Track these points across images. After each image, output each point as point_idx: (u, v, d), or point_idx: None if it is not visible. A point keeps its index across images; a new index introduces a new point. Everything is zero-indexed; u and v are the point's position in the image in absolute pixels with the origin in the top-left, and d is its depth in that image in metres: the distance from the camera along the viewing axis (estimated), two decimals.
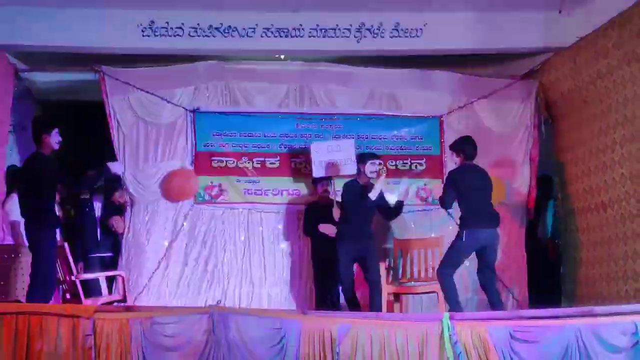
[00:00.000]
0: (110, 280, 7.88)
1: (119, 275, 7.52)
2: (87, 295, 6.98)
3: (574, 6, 8.08)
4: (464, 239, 6.72)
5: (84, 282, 7.17)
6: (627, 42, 7.26)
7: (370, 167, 7.41)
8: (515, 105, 9.02)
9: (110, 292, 7.83)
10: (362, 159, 7.55)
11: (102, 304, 6.76)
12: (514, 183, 8.88)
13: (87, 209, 8.47)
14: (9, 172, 8.03)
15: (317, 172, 8.26)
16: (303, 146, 8.61)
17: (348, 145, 8.29)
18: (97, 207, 8.55)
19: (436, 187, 8.70)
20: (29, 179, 6.42)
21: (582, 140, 8.21)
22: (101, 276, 7.37)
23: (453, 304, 6.65)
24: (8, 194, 7.91)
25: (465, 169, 6.98)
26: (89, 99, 9.08)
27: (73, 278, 6.79)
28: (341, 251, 7.32)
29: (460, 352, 5.34)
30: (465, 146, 7.04)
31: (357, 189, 7.39)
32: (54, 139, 6.52)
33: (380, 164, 7.72)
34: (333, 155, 8.21)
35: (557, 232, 8.88)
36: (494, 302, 6.76)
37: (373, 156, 7.56)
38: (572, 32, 8.15)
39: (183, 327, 5.50)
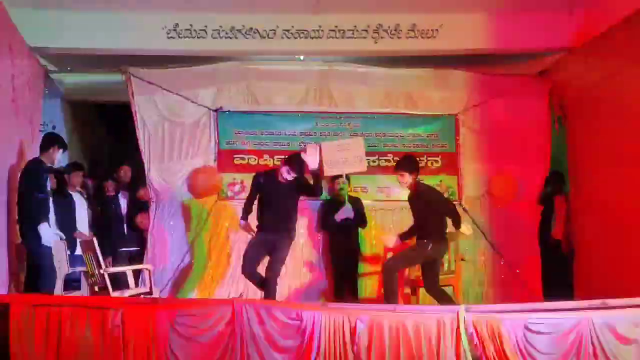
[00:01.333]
0: (137, 274, 8.11)
1: (146, 269, 7.68)
2: (115, 287, 7.18)
3: (585, 6, 8.16)
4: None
5: (113, 276, 7.39)
6: (638, 41, 7.31)
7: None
8: (529, 104, 9.13)
9: (137, 285, 8.06)
10: None
11: (130, 296, 6.94)
12: (527, 179, 8.99)
13: (113, 206, 8.71)
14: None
15: (328, 170, 8.41)
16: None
17: (357, 143, 8.44)
18: (124, 203, 8.79)
19: (452, 183, 8.90)
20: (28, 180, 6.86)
21: (595, 137, 8.29)
22: (128, 269, 7.50)
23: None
24: None
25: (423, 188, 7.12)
26: (115, 99, 9.34)
27: (102, 271, 6.95)
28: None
29: (476, 343, 5.44)
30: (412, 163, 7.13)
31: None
32: (57, 155, 7.16)
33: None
34: (343, 153, 8.34)
35: (568, 227, 8.96)
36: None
37: None
38: (585, 32, 8.22)
39: (207, 318, 5.59)
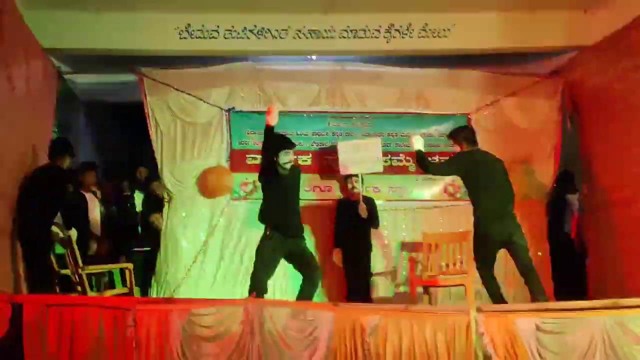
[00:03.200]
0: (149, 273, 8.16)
1: (126, 269, 7.57)
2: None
3: (598, 5, 8.13)
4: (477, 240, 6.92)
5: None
6: None
7: (283, 158, 6.91)
8: (541, 103, 9.10)
9: (149, 285, 8.14)
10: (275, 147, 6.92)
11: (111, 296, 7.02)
12: (539, 178, 8.96)
13: (128, 205, 8.77)
14: None
15: (344, 170, 8.45)
16: (334, 144, 8.75)
17: (374, 143, 8.46)
18: (138, 204, 8.85)
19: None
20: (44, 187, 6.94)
21: (607, 136, 8.28)
22: (108, 269, 7.59)
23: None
24: None
25: (475, 153, 7.11)
26: (129, 100, 9.37)
27: (79, 271, 6.92)
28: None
29: (488, 343, 5.45)
30: (462, 132, 7.26)
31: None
32: (68, 163, 7.29)
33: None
34: (359, 153, 8.37)
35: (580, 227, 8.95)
36: (533, 291, 6.70)
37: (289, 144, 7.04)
38: (597, 31, 8.19)
39: (219, 318, 5.66)
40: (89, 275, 7.17)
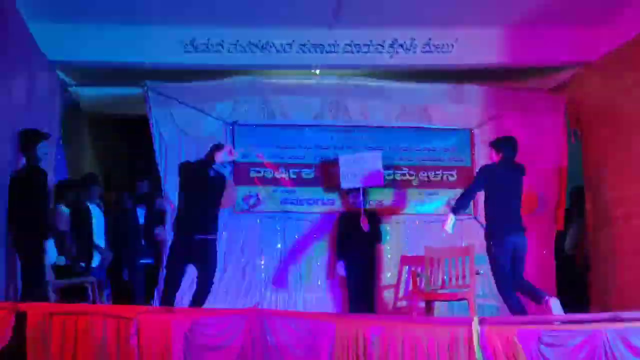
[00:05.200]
0: (151, 284, 8.18)
1: (88, 283, 7.51)
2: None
3: (601, 21, 8.15)
4: (493, 252, 6.90)
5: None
6: None
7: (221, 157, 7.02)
8: (544, 118, 9.13)
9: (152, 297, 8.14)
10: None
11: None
12: (544, 194, 8.98)
13: (131, 218, 8.78)
14: (57, 184, 8.19)
15: (345, 183, 8.47)
16: (337, 158, 8.76)
17: (375, 157, 8.48)
18: (141, 216, 8.86)
19: None
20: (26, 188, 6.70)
21: (611, 152, 8.29)
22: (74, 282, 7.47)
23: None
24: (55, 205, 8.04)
25: (500, 165, 7.12)
26: (133, 112, 9.43)
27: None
28: None
29: (490, 356, 5.43)
30: (505, 145, 7.22)
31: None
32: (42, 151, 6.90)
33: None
34: (360, 166, 8.41)
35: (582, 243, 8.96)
36: (535, 296, 6.77)
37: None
38: (600, 47, 8.24)
39: (222, 328, 5.61)
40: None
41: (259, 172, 8.93)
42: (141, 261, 8.82)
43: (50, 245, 6.73)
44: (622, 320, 5.71)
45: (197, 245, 6.87)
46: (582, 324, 5.71)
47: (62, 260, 7.42)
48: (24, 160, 6.80)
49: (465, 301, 7.54)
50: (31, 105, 7.48)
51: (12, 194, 6.65)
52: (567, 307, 8.02)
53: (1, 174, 6.58)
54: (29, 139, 6.82)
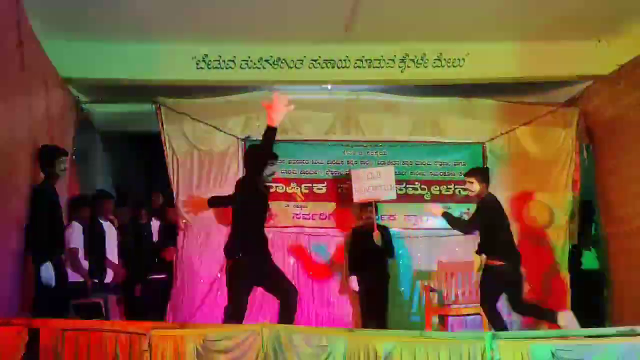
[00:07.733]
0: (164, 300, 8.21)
1: (103, 299, 7.53)
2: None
3: (613, 34, 8.16)
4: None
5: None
6: None
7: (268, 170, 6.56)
8: (556, 132, 9.13)
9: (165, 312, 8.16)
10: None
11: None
12: (556, 208, 8.95)
13: (145, 234, 8.81)
14: (71, 201, 8.19)
15: (357, 197, 8.46)
16: (349, 172, 8.75)
17: (388, 171, 8.48)
18: (155, 231, 8.89)
19: None
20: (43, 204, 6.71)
21: (623, 166, 8.29)
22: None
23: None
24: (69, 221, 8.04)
25: (492, 198, 7.10)
26: (145, 129, 9.48)
27: None
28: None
29: None
30: (486, 174, 7.24)
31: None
32: (60, 166, 6.91)
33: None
34: (373, 181, 8.40)
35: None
36: (544, 316, 6.92)
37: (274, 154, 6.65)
38: (612, 61, 8.24)
39: (235, 343, 5.58)
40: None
41: (270, 186, 8.91)
42: (154, 277, 8.81)
43: (46, 269, 6.59)
44: (637, 334, 5.64)
45: (266, 267, 6.56)
46: (597, 339, 5.66)
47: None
48: (42, 175, 6.84)
49: (479, 316, 7.49)
50: (47, 123, 7.54)
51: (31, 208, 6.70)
52: (582, 321, 8.03)
53: (21, 189, 6.61)
54: (48, 155, 6.87)
